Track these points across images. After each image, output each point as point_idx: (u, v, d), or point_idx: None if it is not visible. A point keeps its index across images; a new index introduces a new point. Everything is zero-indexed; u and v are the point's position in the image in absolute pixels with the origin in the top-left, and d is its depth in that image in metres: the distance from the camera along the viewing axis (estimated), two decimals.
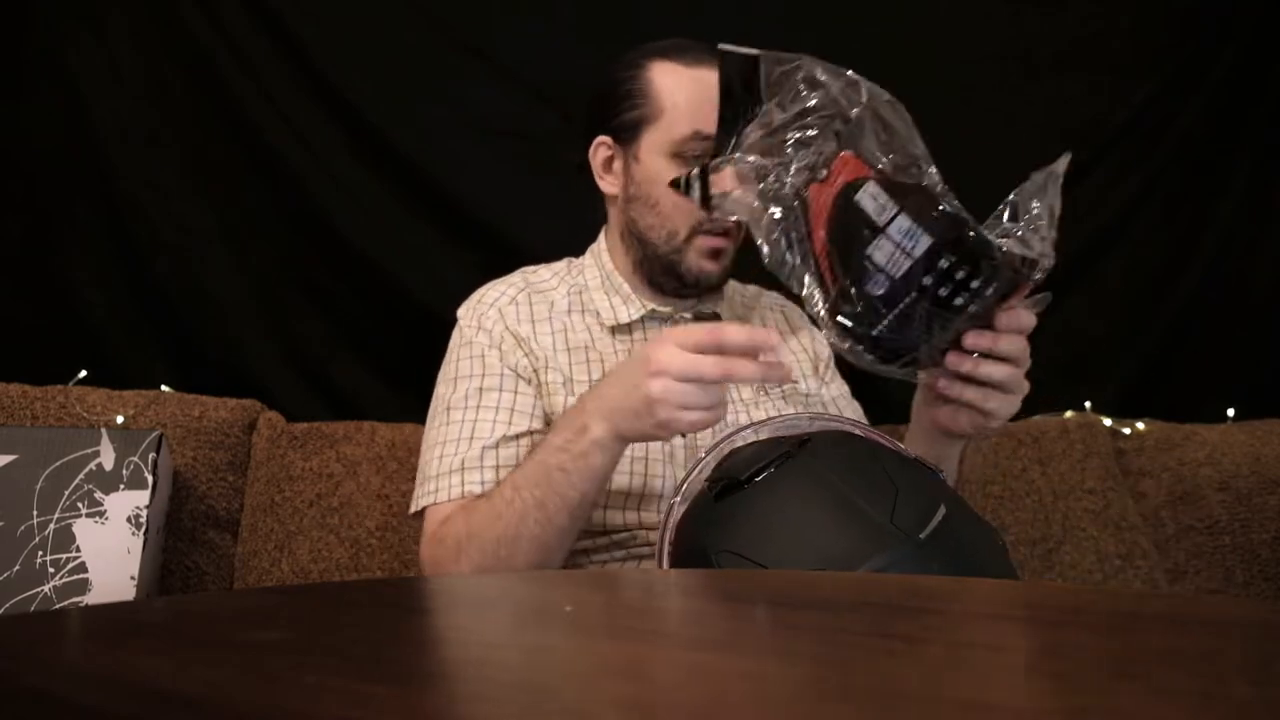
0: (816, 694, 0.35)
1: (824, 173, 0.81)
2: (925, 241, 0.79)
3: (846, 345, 0.84)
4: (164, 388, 1.45)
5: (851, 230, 0.80)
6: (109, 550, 1.17)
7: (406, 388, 1.61)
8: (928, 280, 0.79)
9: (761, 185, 0.84)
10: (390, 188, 1.60)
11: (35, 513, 1.17)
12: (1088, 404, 1.65)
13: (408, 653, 0.42)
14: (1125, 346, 1.76)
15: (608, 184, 1.13)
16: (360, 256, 1.59)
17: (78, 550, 1.17)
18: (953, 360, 0.85)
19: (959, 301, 0.80)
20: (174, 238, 1.57)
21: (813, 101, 0.81)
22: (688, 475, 0.87)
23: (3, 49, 1.54)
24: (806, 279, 0.84)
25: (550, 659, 0.42)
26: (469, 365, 1.08)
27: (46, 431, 1.24)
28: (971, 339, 0.84)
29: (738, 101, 0.85)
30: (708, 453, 0.88)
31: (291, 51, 1.58)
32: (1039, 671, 0.37)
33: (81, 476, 1.19)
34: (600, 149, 1.12)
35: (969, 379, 0.86)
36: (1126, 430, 1.57)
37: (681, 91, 1.04)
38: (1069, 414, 1.60)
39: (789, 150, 0.82)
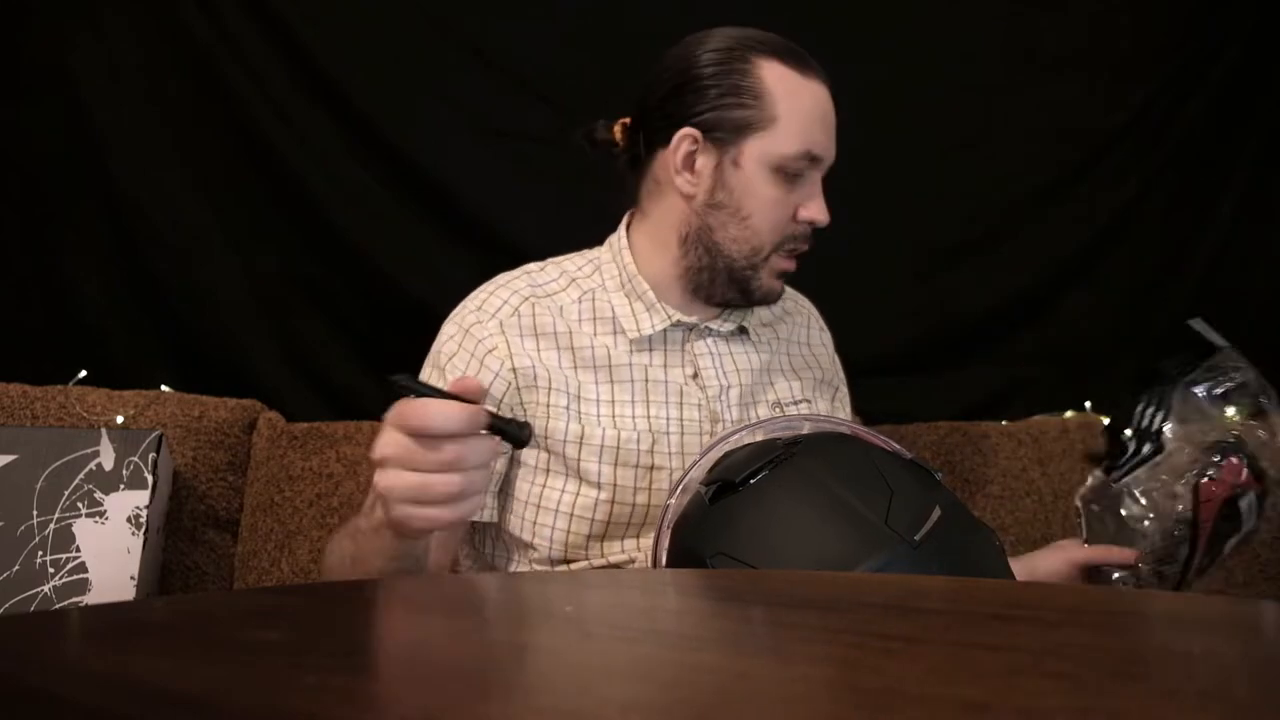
0: (816, 694, 0.35)
1: (1214, 473, 0.97)
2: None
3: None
4: (164, 388, 1.45)
5: (1227, 525, 0.99)
6: (109, 550, 1.17)
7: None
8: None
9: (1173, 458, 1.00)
10: (390, 188, 1.60)
11: (35, 513, 1.17)
12: (1088, 404, 1.65)
13: (407, 653, 0.42)
14: (1125, 346, 1.76)
15: (685, 181, 1.00)
16: (360, 256, 1.59)
17: (78, 550, 1.17)
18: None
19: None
20: (174, 238, 1.57)
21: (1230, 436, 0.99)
22: (684, 475, 0.87)
23: (3, 49, 1.54)
24: (1162, 541, 1.00)
25: (550, 659, 0.42)
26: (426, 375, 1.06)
27: (46, 431, 1.24)
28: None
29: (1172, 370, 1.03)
30: (704, 454, 0.88)
31: (291, 51, 1.58)
32: (1039, 671, 0.37)
33: (81, 476, 1.19)
34: (684, 142, 0.99)
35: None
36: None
37: (798, 103, 0.97)
38: (1069, 414, 1.60)
39: (1205, 447, 0.98)
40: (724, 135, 0.98)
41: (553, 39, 1.61)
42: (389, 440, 0.70)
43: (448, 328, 1.05)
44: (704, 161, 0.99)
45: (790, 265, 1.03)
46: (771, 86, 0.97)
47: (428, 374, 1.05)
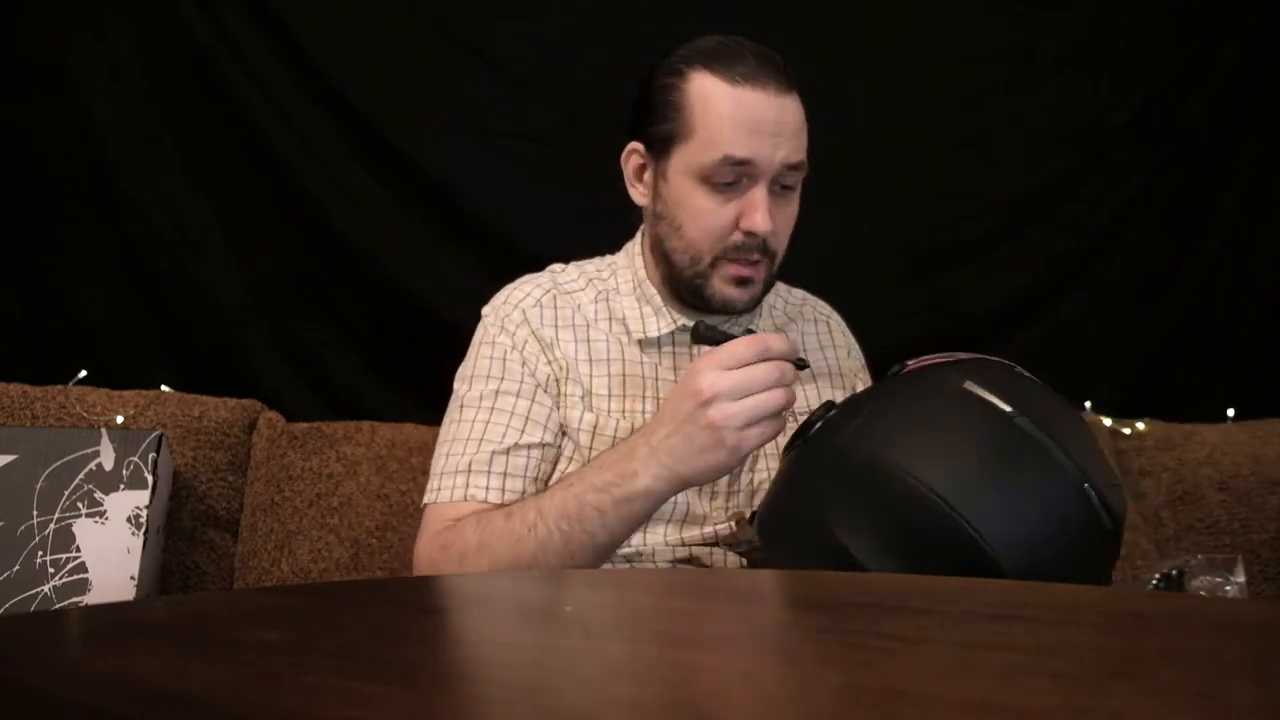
0: (816, 694, 0.35)
1: None
2: None
3: None
4: (164, 388, 1.45)
5: None
6: (109, 550, 1.17)
7: (406, 388, 1.61)
8: None
9: None
10: (390, 187, 1.60)
11: (35, 513, 1.17)
12: (1088, 404, 1.65)
13: (408, 653, 0.42)
14: (1125, 346, 1.76)
15: (639, 194, 1.06)
16: (360, 256, 1.59)
17: (78, 550, 1.17)
18: None
19: None
20: (174, 237, 1.57)
21: None
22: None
23: (3, 49, 1.54)
24: None
25: (550, 659, 0.42)
26: (487, 365, 1.04)
27: (46, 431, 1.24)
28: None
29: None
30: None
31: (291, 51, 1.58)
32: (1039, 671, 0.37)
33: (81, 476, 1.19)
34: (632, 156, 1.05)
35: None
36: (1126, 430, 1.57)
37: (716, 111, 0.95)
38: None
39: None
40: (658, 148, 1.01)
41: (553, 39, 1.61)
42: (713, 379, 0.84)
43: (489, 323, 1.07)
44: (648, 175, 1.04)
45: (747, 272, 1.00)
46: (693, 98, 0.97)
47: (486, 365, 1.05)
